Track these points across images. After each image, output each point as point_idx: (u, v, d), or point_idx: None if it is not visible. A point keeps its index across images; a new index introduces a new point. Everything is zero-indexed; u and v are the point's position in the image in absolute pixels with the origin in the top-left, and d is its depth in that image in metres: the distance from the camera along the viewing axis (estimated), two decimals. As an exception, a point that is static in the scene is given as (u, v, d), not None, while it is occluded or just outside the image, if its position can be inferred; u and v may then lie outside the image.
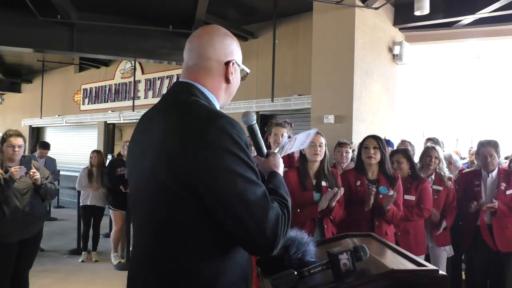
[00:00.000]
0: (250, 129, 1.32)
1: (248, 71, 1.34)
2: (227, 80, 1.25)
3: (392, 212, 2.91)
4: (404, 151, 3.52)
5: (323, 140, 2.94)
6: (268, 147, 3.40)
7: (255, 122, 1.33)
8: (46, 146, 6.97)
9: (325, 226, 2.84)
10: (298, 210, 2.85)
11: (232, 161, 1.04)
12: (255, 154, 1.35)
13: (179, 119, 1.11)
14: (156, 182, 1.11)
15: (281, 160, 1.33)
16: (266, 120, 6.98)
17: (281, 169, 1.31)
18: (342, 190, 2.81)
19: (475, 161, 4.19)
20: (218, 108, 1.24)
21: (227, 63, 1.23)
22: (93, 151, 6.04)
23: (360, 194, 3.00)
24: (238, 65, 1.29)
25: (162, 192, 1.10)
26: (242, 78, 1.34)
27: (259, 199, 1.06)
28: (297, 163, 3.15)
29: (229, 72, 1.23)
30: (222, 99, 1.27)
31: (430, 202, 3.32)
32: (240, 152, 1.06)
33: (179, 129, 1.09)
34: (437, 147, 3.74)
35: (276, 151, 1.45)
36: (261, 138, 1.34)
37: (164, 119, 1.15)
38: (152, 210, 1.15)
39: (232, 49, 1.26)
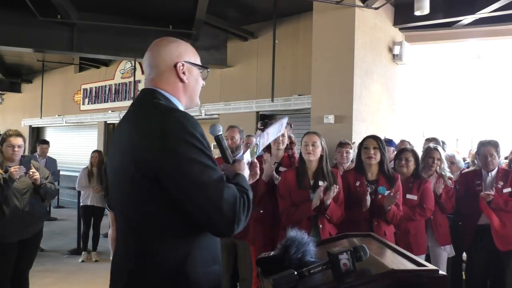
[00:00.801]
0: (216, 139, 1.42)
1: (207, 67, 1.43)
2: (181, 80, 1.36)
3: (393, 212, 2.91)
4: (413, 150, 3.53)
5: (317, 139, 2.93)
6: (268, 147, 3.40)
7: (221, 133, 1.43)
8: (46, 142, 6.94)
9: (320, 225, 2.84)
10: (293, 209, 2.85)
11: (187, 148, 1.16)
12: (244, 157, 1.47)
13: (141, 117, 1.26)
14: (125, 174, 1.25)
15: (246, 166, 1.42)
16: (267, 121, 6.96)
17: (245, 173, 1.40)
18: (336, 187, 2.79)
19: (475, 161, 4.19)
20: (182, 108, 1.36)
21: (175, 65, 1.34)
22: (94, 151, 6.05)
23: (359, 195, 3.00)
24: (193, 65, 1.39)
25: (130, 184, 1.24)
26: (204, 77, 1.44)
27: (214, 180, 1.17)
28: (297, 163, 3.16)
29: (180, 72, 1.34)
30: (184, 99, 1.38)
31: (432, 201, 3.32)
32: (194, 141, 1.18)
33: (140, 126, 1.23)
34: (439, 148, 3.74)
35: (249, 150, 1.50)
36: (227, 147, 1.43)
37: (130, 119, 1.31)
38: (123, 202, 1.30)
39: (180, 52, 1.36)
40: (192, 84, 1.38)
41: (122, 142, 1.28)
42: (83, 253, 5.65)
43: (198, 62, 1.40)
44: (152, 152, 1.17)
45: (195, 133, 1.19)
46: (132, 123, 1.28)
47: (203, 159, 1.17)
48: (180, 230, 1.22)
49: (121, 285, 1.27)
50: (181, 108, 1.35)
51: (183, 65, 1.34)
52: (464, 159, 6.17)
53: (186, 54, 1.37)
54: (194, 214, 1.19)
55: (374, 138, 3.12)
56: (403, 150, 3.53)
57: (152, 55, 1.37)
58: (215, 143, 1.42)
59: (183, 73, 1.34)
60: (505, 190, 3.49)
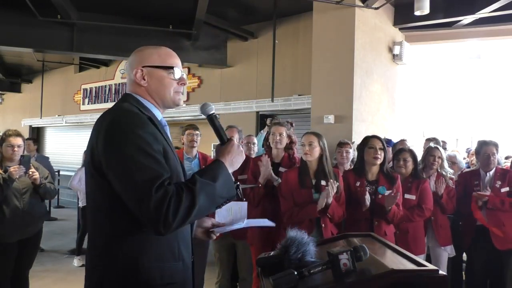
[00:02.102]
0: (209, 118, 1.46)
1: (170, 66, 1.45)
2: (140, 84, 1.43)
3: (393, 212, 2.90)
4: (410, 150, 3.53)
5: (313, 140, 2.92)
6: (269, 147, 3.40)
7: (212, 112, 1.46)
8: (31, 138, 6.79)
9: (323, 225, 2.84)
10: (297, 209, 2.85)
11: (125, 147, 1.23)
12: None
13: (100, 118, 1.37)
14: (87, 172, 1.36)
15: (234, 147, 1.42)
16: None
17: (230, 156, 1.40)
18: (335, 183, 2.78)
19: (474, 162, 4.20)
20: (158, 112, 1.45)
21: (133, 71, 1.43)
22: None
23: (359, 195, 3.00)
24: (154, 67, 1.43)
25: (90, 180, 1.35)
26: (177, 77, 1.46)
27: (142, 181, 1.20)
28: (299, 163, 3.15)
29: (136, 78, 1.43)
30: (154, 100, 1.45)
31: (430, 201, 3.32)
32: (132, 137, 1.24)
33: (96, 125, 1.35)
34: (440, 147, 3.74)
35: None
36: (220, 127, 1.45)
37: (98, 118, 1.39)
38: (87, 198, 1.39)
39: (140, 59, 1.45)
40: (154, 86, 1.43)
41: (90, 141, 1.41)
42: (76, 258, 5.42)
43: (167, 62, 1.45)
44: (98, 149, 1.27)
45: (139, 131, 1.25)
46: (96, 121, 1.39)
47: (139, 158, 1.22)
48: (130, 225, 1.27)
49: (86, 270, 1.38)
50: (154, 109, 1.44)
51: (142, 71, 1.42)
52: (464, 158, 6.18)
53: (148, 59, 1.44)
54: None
55: (378, 138, 3.12)
56: (401, 150, 3.53)
57: (126, 65, 1.51)
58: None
59: (143, 78, 1.42)
60: (503, 190, 3.49)
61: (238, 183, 1.43)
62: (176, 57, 1.50)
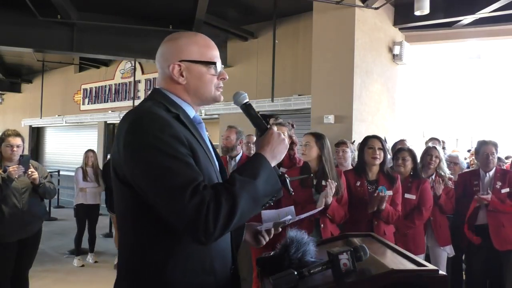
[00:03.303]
0: (243, 108, 1.31)
1: (212, 62, 1.29)
2: (178, 82, 1.27)
3: (388, 212, 2.90)
4: (410, 149, 3.54)
5: (310, 140, 2.95)
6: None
7: (246, 100, 1.31)
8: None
9: (322, 225, 2.84)
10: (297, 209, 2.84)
11: (145, 152, 1.10)
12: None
13: (122, 121, 1.21)
14: (112, 178, 1.25)
15: (273, 136, 1.25)
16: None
17: (271, 146, 1.24)
18: (333, 183, 2.78)
19: (474, 161, 4.20)
20: (190, 109, 1.29)
21: (169, 66, 1.26)
22: (88, 151, 5.91)
23: (359, 195, 3.00)
24: (195, 62, 1.27)
25: (115, 187, 1.24)
26: (216, 72, 1.30)
27: (173, 187, 1.07)
28: (299, 163, 3.15)
29: (173, 75, 1.26)
30: (189, 98, 1.29)
31: (430, 200, 3.33)
32: (158, 144, 1.10)
33: (117, 130, 1.21)
34: (438, 147, 3.74)
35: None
36: (257, 115, 1.30)
37: (120, 122, 1.25)
38: (115, 202, 1.28)
39: (175, 50, 1.27)
40: (193, 84, 1.27)
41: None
42: (76, 258, 5.43)
43: (207, 56, 1.28)
44: (120, 156, 1.15)
45: (161, 135, 1.11)
46: (118, 125, 1.26)
47: (164, 162, 1.08)
48: (155, 237, 1.17)
49: (116, 278, 1.30)
50: (187, 107, 1.28)
51: (179, 66, 1.25)
52: (465, 158, 6.18)
53: (186, 51, 1.26)
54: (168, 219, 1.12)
55: (378, 138, 3.12)
56: (400, 149, 3.54)
57: (157, 55, 1.32)
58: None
59: (181, 74, 1.25)
60: (503, 191, 3.49)
61: (286, 175, 1.26)
62: (215, 48, 1.32)
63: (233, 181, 1.12)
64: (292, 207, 1.54)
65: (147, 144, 1.10)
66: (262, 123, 1.30)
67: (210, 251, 1.21)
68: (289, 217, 1.46)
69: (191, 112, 1.29)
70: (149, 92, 1.34)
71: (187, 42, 1.28)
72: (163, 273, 1.15)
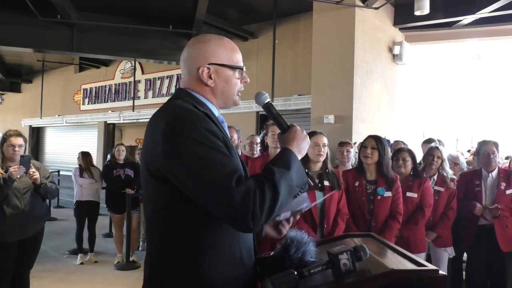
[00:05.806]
0: (264, 107, 1.36)
1: (239, 67, 1.36)
2: (206, 84, 1.31)
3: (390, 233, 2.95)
4: (409, 150, 3.54)
5: (325, 140, 2.92)
6: (266, 147, 3.40)
7: (268, 100, 1.36)
8: None
9: (325, 226, 2.84)
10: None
11: (189, 146, 1.13)
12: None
13: (154, 117, 1.25)
14: (142, 175, 1.27)
15: (297, 132, 1.32)
16: (266, 120, 6.98)
17: (296, 142, 1.30)
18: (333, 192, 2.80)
19: (473, 161, 4.19)
20: (215, 110, 1.33)
21: (198, 69, 1.30)
22: (80, 153, 5.97)
23: (358, 195, 3.01)
24: (223, 66, 1.32)
25: (146, 185, 1.26)
26: (240, 77, 1.36)
27: (218, 177, 1.11)
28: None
29: (203, 77, 1.29)
30: (215, 100, 1.34)
31: (431, 198, 3.34)
32: (196, 136, 1.14)
33: (150, 126, 1.24)
34: (440, 147, 3.74)
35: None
36: (278, 114, 1.36)
37: (151, 120, 1.28)
38: (145, 199, 1.31)
39: (205, 53, 1.30)
40: (220, 86, 1.32)
41: (143, 144, 1.31)
42: (79, 255, 5.50)
43: (234, 60, 1.34)
44: (157, 152, 1.17)
45: (198, 128, 1.15)
46: (149, 123, 1.27)
47: (207, 154, 1.12)
48: (191, 233, 1.20)
49: (146, 276, 1.30)
50: (213, 108, 1.32)
51: (208, 69, 1.29)
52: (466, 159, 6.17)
53: (215, 54, 1.31)
54: (210, 209, 1.15)
55: (374, 138, 3.12)
56: (400, 150, 3.54)
57: (183, 55, 1.35)
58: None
59: (209, 77, 1.29)
60: (508, 192, 3.45)
61: (307, 170, 1.32)
62: (239, 52, 1.38)
63: (272, 171, 1.17)
64: (305, 194, 1.55)
65: (190, 138, 1.13)
66: (283, 121, 1.35)
67: (239, 243, 1.26)
68: (305, 204, 1.47)
69: (216, 111, 1.33)
70: (175, 90, 1.35)
71: (216, 45, 1.32)
72: (201, 269, 1.18)
